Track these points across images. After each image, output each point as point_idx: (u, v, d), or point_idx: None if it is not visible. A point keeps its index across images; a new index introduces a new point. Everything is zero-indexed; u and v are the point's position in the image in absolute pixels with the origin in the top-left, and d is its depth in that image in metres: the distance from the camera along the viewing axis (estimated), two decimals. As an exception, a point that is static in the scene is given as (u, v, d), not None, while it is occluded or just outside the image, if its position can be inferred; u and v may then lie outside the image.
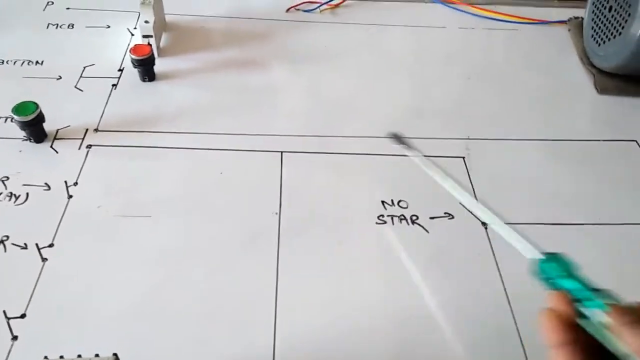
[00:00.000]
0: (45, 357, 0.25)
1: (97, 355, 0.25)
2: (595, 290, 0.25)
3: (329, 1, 0.62)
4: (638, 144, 0.49)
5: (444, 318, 0.35)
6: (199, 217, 0.39)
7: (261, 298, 0.35)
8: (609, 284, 0.37)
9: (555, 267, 0.27)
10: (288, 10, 0.61)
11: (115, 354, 0.25)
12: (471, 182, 0.44)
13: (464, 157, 0.46)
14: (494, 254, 0.39)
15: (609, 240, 0.41)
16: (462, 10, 0.63)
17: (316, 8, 0.61)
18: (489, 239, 0.40)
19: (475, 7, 0.63)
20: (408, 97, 0.51)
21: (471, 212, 0.35)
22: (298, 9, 0.61)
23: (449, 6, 0.63)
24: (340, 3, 0.62)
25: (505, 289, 0.37)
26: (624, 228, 0.42)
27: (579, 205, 0.43)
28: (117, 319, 0.33)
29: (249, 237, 0.38)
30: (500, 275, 0.38)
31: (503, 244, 0.39)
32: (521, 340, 0.34)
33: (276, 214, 0.40)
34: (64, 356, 0.25)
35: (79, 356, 0.25)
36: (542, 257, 0.28)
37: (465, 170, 0.45)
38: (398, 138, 0.37)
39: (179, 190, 0.41)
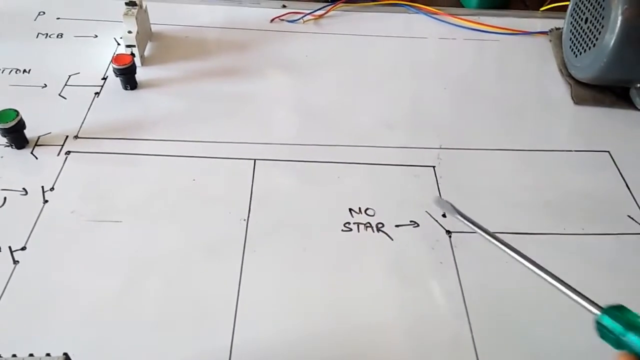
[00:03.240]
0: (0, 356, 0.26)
1: (48, 354, 0.26)
2: None
3: (313, 12, 0.63)
4: (610, 155, 0.49)
5: (402, 325, 0.36)
6: (169, 223, 0.41)
7: (222, 304, 0.36)
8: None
9: (615, 320, 0.25)
10: (272, 20, 0.62)
11: (65, 354, 0.27)
12: (439, 191, 0.45)
13: (434, 167, 0.47)
14: (455, 263, 0.40)
15: (576, 250, 0.41)
16: (444, 21, 0.64)
17: (300, 19, 0.62)
18: (452, 247, 0.41)
19: (457, 18, 0.63)
20: (383, 107, 0.52)
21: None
22: (282, 20, 0.63)
23: (431, 17, 0.64)
24: (324, 14, 0.64)
25: (464, 298, 0.38)
26: (590, 238, 0.42)
27: (545, 215, 0.43)
28: (79, 321, 0.34)
29: (216, 243, 0.39)
30: (460, 284, 0.39)
31: (466, 253, 0.40)
32: (475, 350, 0.35)
33: (244, 220, 0.41)
34: (17, 355, 0.26)
35: (31, 355, 0.26)
36: (598, 313, 0.26)
37: (435, 179, 0.46)
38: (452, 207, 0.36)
39: (151, 197, 0.42)
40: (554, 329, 0.36)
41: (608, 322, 0.25)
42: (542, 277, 0.29)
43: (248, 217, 0.41)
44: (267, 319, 0.35)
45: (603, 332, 0.25)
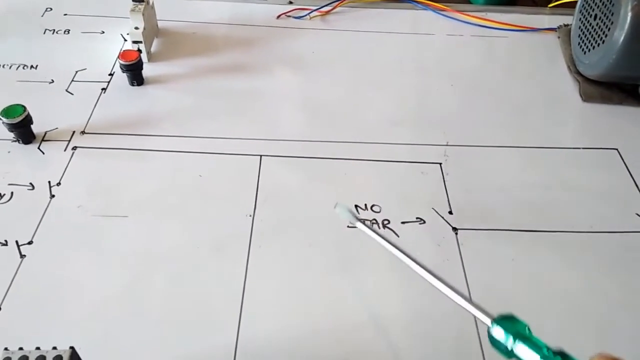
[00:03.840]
0: (6, 349, 0.26)
1: (54, 348, 0.26)
2: (550, 355, 0.23)
3: (319, 8, 0.63)
4: (619, 152, 0.49)
5: (408, 322, 0.36)
6: (175, 218, 0.41)
7: (227, 299, 0.36)
8: (579, 291, 0.38)
9: (506, 330, 0.24)
10: (279, 17, 0.62)
11: (72, 347, 0.27)
12: (446, 188, 0.44)
13: (440, 163, 0.46)
14: (462, 260, 0.40)
15: (581, 247, 0.41)
16: (451, 17, 0.63)
17: (306, 15, 0.62)
18: (458, 244, 0.41)
19: (464, 14, 0.63)
20: (390, 104, 0.52)
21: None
22: (289, 16, 0.63)
23: (439, 13, 0.64)
24: (331, 10, 0.63)
25: (470, 294, 0.38)
26: (598, 236, 0.42)
27: (552, 212, 0.43)
28: (85, 315, 0.34)
29: (222, 238, 0.39)
30: (466, 280, 0.38)
31: (472, 250, 0.40)
32: (481, 347, 0.35)
33: (250, 216, 0.41)
34: (24, 348, 0.26)
35: (37, 348, 0.26)
36: (489, 323, 0.25)
37: (442, 176, 0.45)
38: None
39: (158, 192, 0.42)
40: (559, 327, 0.36)
41: (498, 332, 0.25)
42: (436, 286, 0.29)
43: (254, 213, 0.41)
44: (273, 315, 0.35)
45: (494, 341, 0.25)
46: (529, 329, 0.25)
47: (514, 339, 0.24)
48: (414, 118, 0.51)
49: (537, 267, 0.39)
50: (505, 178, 0.46)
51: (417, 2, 0.65)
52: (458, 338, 0.35)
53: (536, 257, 0.40)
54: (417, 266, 0.31)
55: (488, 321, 0.26)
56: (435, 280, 0.29)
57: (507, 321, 0.25)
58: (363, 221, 0.36)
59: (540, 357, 0.23)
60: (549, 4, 0.67)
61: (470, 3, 0.67)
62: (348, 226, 0.36)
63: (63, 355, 0.26)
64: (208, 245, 0.39)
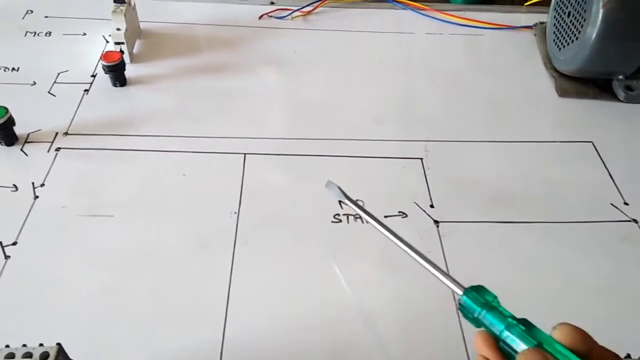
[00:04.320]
0: (-7, 346, 0.27)
1: (41, 345, 0.27)
2: (514, 323, 0.24)
3: (301, 8, 0.63)
4: (594, 145, 0.50)
5: (392, 314, 0.37)
6: (160, 217, 0.41)
7: (213, 296, 0.36)
8: (557, 278, 0.39)
9: (473, 301, 0.25)
10: (261, 17, 0.63)
11: (58, 344, 0.27)
12: (427, 182, 0.45)
13: (422, 159, 0.47)
14: (443, 252, 0.40)
15: (558, 237, 0.42)
16: (430, 17, 0.65)
17: (288, 15, 0.63)
18: (439, 237, 0.41)
19: (443, 13, 0.64)
20: (371, 101, 0.53)
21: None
22: (271, 16, 0.63)
23: (418, 12, 0.65)
24: (312, 10, 0.64)
25: (453, 293, 0.38)
26: (574, 226, 0.43)
27: (530, 204, 0.44)
28: (71, 314, 0.34)
29: (207, 236, 0.40)
30: (448, 271, 0.39)
31: (453, 242, 0.41)
32: (464, 337, 0.36)
33: (235, 213, 0.42)
34: (10, 345, 0.26)
35: (24, 345, 0.26)
36: (461, 293, 0.26)
37: (423, 170, 0.46)
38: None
39: (142, 192, 0.43)
40: (539, 318, 0.37)
41: (467, 302, 0.26)
42: (414, 258, 0.30)
43: (239, 210, 0.42)
44: (259, 310, 0.36)
45: (464, 312, 0.26)
46: (497, 299, 0.26)
47: (482, 309, 0.25)
48: (395, 115, 0.52)
49: (516, 257, 0.41)
50: (485, 172, 0.47)
51: (397, 1, 0.66)
52: (443, 329, 0.36)
53: (515, 247, 0.41)
54: (400, 242, 0.32)
55: (459, 291, 0.27)
56: (415, 254, 0.30)
57: (477, 292, 0.26)
58: (351, 199, 0.36)
59: (505, 326, 0.24)
60: (525, 2, 0.68)
61: (449, 2, 0.69)
62: (339, 201, 0.37)
63: (50, 352, 0.26)
64: (193, 242, 0.39)
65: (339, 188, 0.37)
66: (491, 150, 0.49)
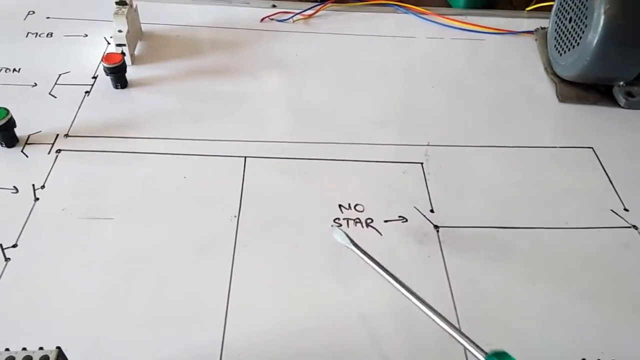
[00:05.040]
0: (-8, 349, 0.26)
1: (41, 348, 0.27)
2: None
3: (303, 11, 0.63)
4: (594, 151, 0.50)
5: (391, 318, 0.37)
6: (160, 220, 0.41)
7: (213, 299, 0.36)
8: (557, 286, 0.39)
9: None
10: (262, 20, 0.63)
11: (58, 347, 0.27)
12: (427, 187, 0.45)
13: (422, 163, 0.47)
14: (443, 257, 0.40)
15: (558, 243, 0.42)
16: (432, 21, 0.65)
17: (289, 18, 0.63)
18: (439, 242, 0.41)
19: (445, 18, 0.64)
20: (372, 105, 0.53)
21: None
22: (272, 19, 0.63)
23: (419, 17, 0.65)
24: (314, 14, 0.64)
25: (451, 291, 0.38)
26: (574, 232, 0.43)
27: (531, 210, 0.44)
28: (71, 317, 0.34)
29: (207, 239, 0.40)
30: (447, 277, 0.39)
31: (453, 247, 0.41)
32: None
33: (235, 217, 0.42)
34: (10, 349, 0.26)
35: (24, 349, 0.26)
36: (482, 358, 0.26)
37: (423, 175, 0.46)
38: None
39: (142, 194, 0.43)
40: (539, 324, 0.37)
41: None
42: (431, 317, 0.30)
43: (239, 213, 0.42)
44: (259, 314, 0.36)
45: None
46: None
47: None
48: (396, 119, 0.52)
49: (516, 263, 0.41)
50: (485, 177, 0.47)
51: (398, 5, 0.66)
52: (443, 337, 0.36)
53: (515, 253, 0.41)
54: (411, 295, 0.32)
55: (481, 357, 0.26)
56: (431, 312, 0.30)
57: (498, 358, 0.26)
58: (358, 245, 0.37)
59: None
60: (527, 7, 0.69)
61: (450, 7, 0.69)
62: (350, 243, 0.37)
63: (50, 355, 0.26)
64: (193, 246, 0.39)
65: (346, 234, 0.37)
66: (491, 155, 0.49)
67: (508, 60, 0.61)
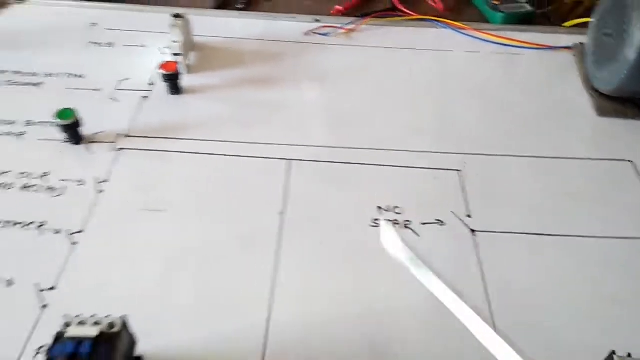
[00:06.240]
0: (65, 316, 0.29)
1: (107, 316, 0.29)
2: None
3: (345, 25, 0.67)
4: (632, 164, 0.51)
5: (426, 316, 0.38)
6: (209, 214, 0.44)
7: (257, 289, 0.39)
8: (591, 293, 0.40)
9: None
10: (306, 33, 0.66)
11: (123, 317, 0.30)
12: (464, 193, 0.47)
13: (459, 170, 0.49)
14: (479, 261, 0.42)
15: (593, 252, 0.43)
16: (470, 36, 0.67)
17: (332, 32, 0.66)
18: (476, 246, 0.43)
19: (483, 33, 0.66)
20: (411, 115, 0.55)
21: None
22: (316, 33, 0.66)
23: (458, 31, 0.67)
24: (355, 28, 0.67)
25: (487, 296, 0.40)
26: (609, 242, 0.44)
27: (566, 219, 0.45)
28: (129, 297, 0.37)
29: (252, 233, 0.42)
30: (484, 280, 0.41)
31: (490, 251, 0.42)
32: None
33: (278, 214, 0.44)
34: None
35: (92, 316, 0.29)
36: None
37: (460, 182, 0.48)
38: None
39: (193, 190, 0.46)
40: (573, 327, 0.38)
41: None
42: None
43: (282, 211, 0.44)
44: (300, 302, 0.38)
45: None
46: None
47: None
48: (433, 128, 0.54)
49: (552, 270, 0.41)
50: (521, 185, 0.48)
51: (437, 21, 0.68)
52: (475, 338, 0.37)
53: (551, 260, 0.42)
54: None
55: None
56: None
57: None
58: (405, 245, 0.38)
59: None
60: (564, 23, 0.70)
61: (488, 23, 0.71)
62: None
63: (116, 322, 0.29)
64: (238, 240, 0.42)
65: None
66: (528, 166, 0.50)
67: (546, 74, 0.62)
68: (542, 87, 0.60)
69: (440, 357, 0.36)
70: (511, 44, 0.65)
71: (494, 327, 0.37)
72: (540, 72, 0.62)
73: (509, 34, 0.66)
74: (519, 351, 0.31)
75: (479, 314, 0.33)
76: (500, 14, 0.69)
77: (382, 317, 0.38)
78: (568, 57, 0.64)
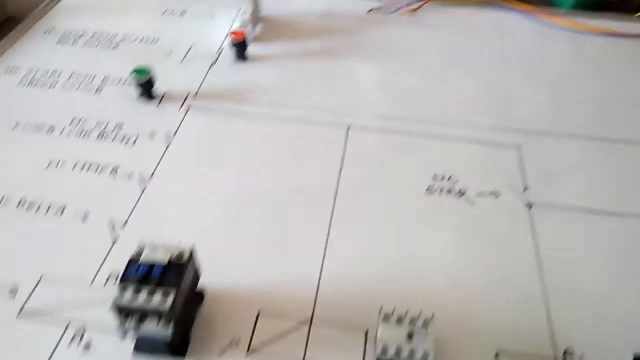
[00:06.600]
0: (138, 243, 0.32)
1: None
2: None
3: (409, 4, 0.67)
4: (703, 152, 0.49)
5: (476, 282, 0.38)
6: (271, 171, 0.46)
7: (313, 241, 0.40)
8: None
9: None
10: (369, 11, 0.67)
11: (192, 247, 0.32)
12: (522, 168, 0.47)
13: (518, 146, 0.49)
14: (534, 233, 0.42)
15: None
16: (537, 19, 0.65)
17: (396, 10, 0.67)
18: (531, 219, 0.43)
19: (550, 17, 0.65)
20: (471, 91, 0.55)
21: None
22: (378, 11, 0.67)
23: (525, 15, 0.66)
24: (419, 7, 0.67)
25: (540, 266, 0.39)
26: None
27: (626, 199, 0.44)
28: (192, 238, 0.39)
29: (309, 192, 0.44)
30: (538, 253, 0.40)
31: (546, 225, 0.42)
32: (551, 323, 0.36)
33: (335, 176, 0.45)
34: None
35: (164, 244, 0.32)
36: None
37: (518, 157, 0.48)
38: None
39: (255, 150, 0.48)
40: (631, 310, 0.37)
41: None
42: None
43: (339, 175, 0.46)
44: (352, 260, 0.39)
45: None
46: None
47: None
48: (494, 106, 0.54)
49: (608, 249, 0.41)
50: (582, 166, 0.47)
51: (503, 2, 0.67)
52: (524, 295, 0.37)
53: (609, 239, 0.42)
54: None
55: None
56: None
57: None
58: None
59: None
60: (637, 13, 0.67)
61: (555, 6, 0.69)
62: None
63: (185, 252, 0.31)
64: (297, 195, 0.44)
65: None
66: (591, 146, 0.49)
67: (613, 61, 0.60)
68: (609, 73, 0.58)
69: (490, 325, 0.36)
70: (579, 30, 0.64)
71: (547, 302, 0.37)
72: (609, 59, 0.61)
73: (578, 20, 0.64)
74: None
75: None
76: (570, -1, 0.68)
77: (428, 284, 0.38)
78: (638, 45, 0.62)
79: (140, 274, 0.30)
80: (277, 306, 0.36)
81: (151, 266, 0.31)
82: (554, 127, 0.51)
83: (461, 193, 0.45)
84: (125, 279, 0.30)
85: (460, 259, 0.40)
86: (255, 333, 0.34)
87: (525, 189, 0.45)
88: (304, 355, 0.33)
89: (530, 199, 0.44)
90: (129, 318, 0.30)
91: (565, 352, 0.34)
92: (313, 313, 0.36)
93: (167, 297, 0.29)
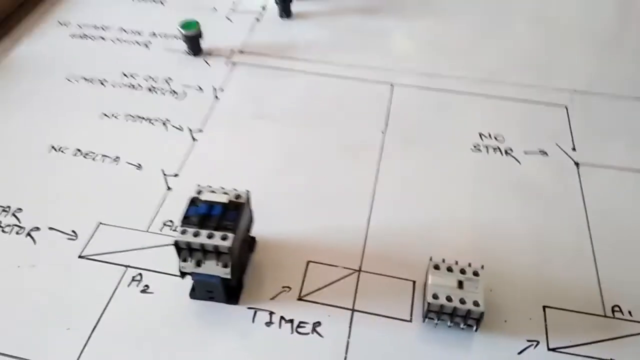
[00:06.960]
0: (198, 185, 0.33)
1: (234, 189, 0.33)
2: None
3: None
4: None
5: (524, 235, 0.38)
6: (314, 126, 0.46)
7: (361, 192, 0.41)
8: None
9: None
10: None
11: (248, 191, 0.33)
12: (570, 127, 0.46)
13: (566, 105, 0.48)
14: (582, 190, 0.41)
15: None
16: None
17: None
18: (579, 178, 0.42)
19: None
20: (520, 49, 0.54)
21: None
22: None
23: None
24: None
25: (588, 222, 0.39)
26: None
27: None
28: (242, 187, 0.40)
29: (356, 146, 0.44)
30: (585, 209, 0.40)
31: (592, 183, 0.42)
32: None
33: (382, 132, 0.46)
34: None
35: (222, 187, 0.33)
36: None
37: (567, 116, 0.47)
38: None
39: (300, 104, 0.48)
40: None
41: None
42: None
43: (385, 130, 0.46)
44: (398, 207, 0.40)
45: None
46: None
47: None
48: (542, 64, 0.52)
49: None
50: (631, 125, 0.46)
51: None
52: (572, 252, 0.37)
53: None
54: None
55: None
56: None
57: None
58: None
59: None
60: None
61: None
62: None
63: (242, 194, 0.32)
64: (343, 150, 0.44)
65: None
66: (636, 106, 0.48)
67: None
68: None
69: (538, 279, 0.36)
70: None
71: (595, 259, 0.37)
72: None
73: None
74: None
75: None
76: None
77: (476, 238, 0.38)
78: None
79: (200, 213, 0.31)
80: (326, 256, 0.37)
81: (210, 206, 0.32)
82: (602, 86, 0.50)
83: (508, 151, 0.44)
84: (186, 218, 0.31)
85: (508, 216, 0.40)
86: (305, 282, 0.35)
87: (573, 148, 0.44)
88: (353, 303, 0.34)
89: (577, 159, 0.43)
90: (189, 257, 0.31)
91: (612, 308, 0.34)
92: (361, 263, 0.36)
93: (227, 237, 0.30)
